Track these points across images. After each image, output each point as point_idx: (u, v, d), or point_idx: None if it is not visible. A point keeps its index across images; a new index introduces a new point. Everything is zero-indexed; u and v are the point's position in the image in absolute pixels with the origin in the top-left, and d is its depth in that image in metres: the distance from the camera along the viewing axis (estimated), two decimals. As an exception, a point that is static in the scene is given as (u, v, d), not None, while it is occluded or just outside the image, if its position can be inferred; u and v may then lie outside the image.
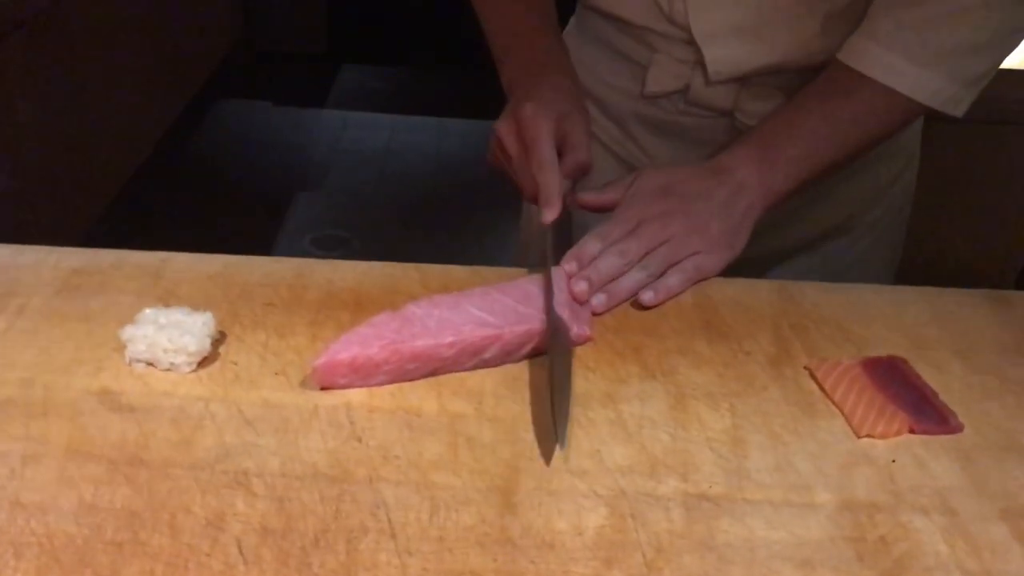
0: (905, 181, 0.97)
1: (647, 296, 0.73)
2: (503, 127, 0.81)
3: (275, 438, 0.59)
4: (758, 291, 0.78)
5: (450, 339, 0.64)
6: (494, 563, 0.52)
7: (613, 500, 0.56)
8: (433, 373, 0.65)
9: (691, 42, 0.84)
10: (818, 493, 0.58)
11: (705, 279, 0.76)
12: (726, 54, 0.83)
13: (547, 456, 0.59)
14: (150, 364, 0.65)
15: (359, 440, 0.60)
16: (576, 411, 0.63)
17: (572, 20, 1.01)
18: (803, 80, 0.81)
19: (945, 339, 0.74)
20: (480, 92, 3.72)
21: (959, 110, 0.78)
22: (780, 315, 0.75)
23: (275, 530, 0.53)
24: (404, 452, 0.59)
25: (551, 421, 0.61)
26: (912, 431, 0.63)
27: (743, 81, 0.84)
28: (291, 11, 3.73)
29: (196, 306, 0.68)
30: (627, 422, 0.62)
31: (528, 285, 0.71)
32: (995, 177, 1.80)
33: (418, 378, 0.65)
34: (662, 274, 0.74)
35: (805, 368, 0.69)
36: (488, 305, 0.68)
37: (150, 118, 2.88)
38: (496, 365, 0.67)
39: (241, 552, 0.51)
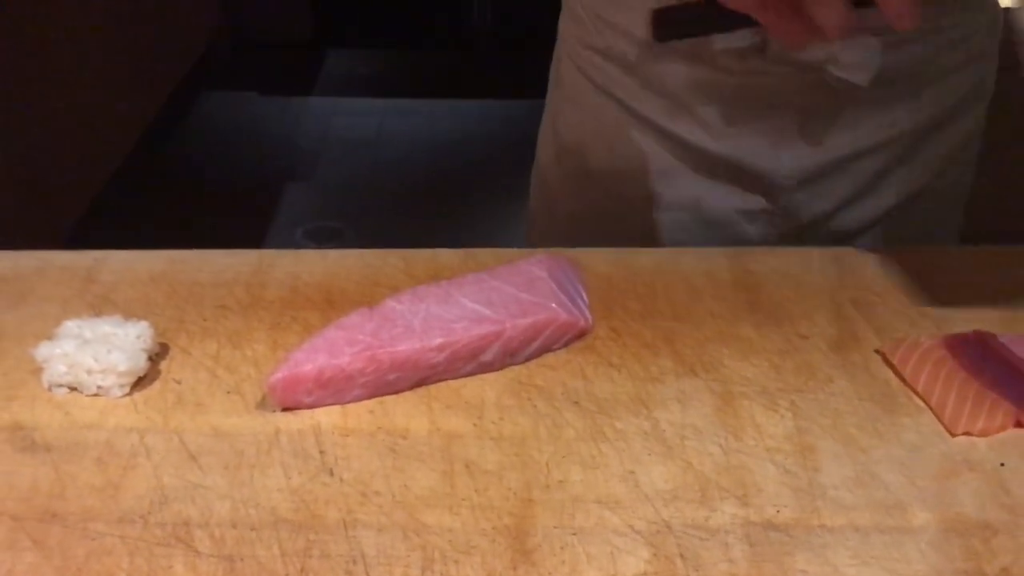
0: (981, 131, 0.84)
1: None
2: None
3: (225, 476, 0.47)
4: (809, 262, 0.65)
5: (439, 341, 0.52)
6: (507, 632, 0.40)
7: (656, 537, 0.44)
8: (421, 383, 0.53)
9: None
10: (915, 512, 0.46)
11: None
12: None
13: None
14: (73, 389, 0.53)
15: (331, 473, 0.47)
16: (600, 421, 0.51)
17: None
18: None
19: (1037, 307, 0.61)
20: (471, 71, 3.59)
21: None
22: (839, 289, 0.62)
23: (222, 601, 0.41)
24: (387, 486, 0.47)
25: None
26: (1020, 424, 0.51)
27: None
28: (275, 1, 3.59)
29: (135, 313, 0.57)
30: (665, 433, 0.50)
31: (531, 268, 0.58)
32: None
33: (403, 390, 0.53)
34: None
35: (877, 352, 0.56)
36: (484, 295, 0.55)
37: (130, 113, 2.76)
38: (499, 369, 0.55)
39: (177, 635, 0.39)
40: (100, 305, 0.59)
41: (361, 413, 0.51)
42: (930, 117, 0.75)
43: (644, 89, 0.76)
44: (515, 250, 0.66)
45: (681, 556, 0.43)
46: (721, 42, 0.69)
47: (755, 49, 0.69)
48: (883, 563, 0.43)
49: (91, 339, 0.53)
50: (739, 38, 0.68)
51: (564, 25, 0.83)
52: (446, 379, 0.54)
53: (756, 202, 0.76)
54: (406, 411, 0.51)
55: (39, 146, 2.15)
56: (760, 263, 0.65)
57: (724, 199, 0.76)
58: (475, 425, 0.51)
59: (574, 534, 0.44)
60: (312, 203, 2.74)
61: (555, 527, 0.45)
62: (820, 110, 0.72)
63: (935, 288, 0.63)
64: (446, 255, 0.65)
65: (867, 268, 0.64)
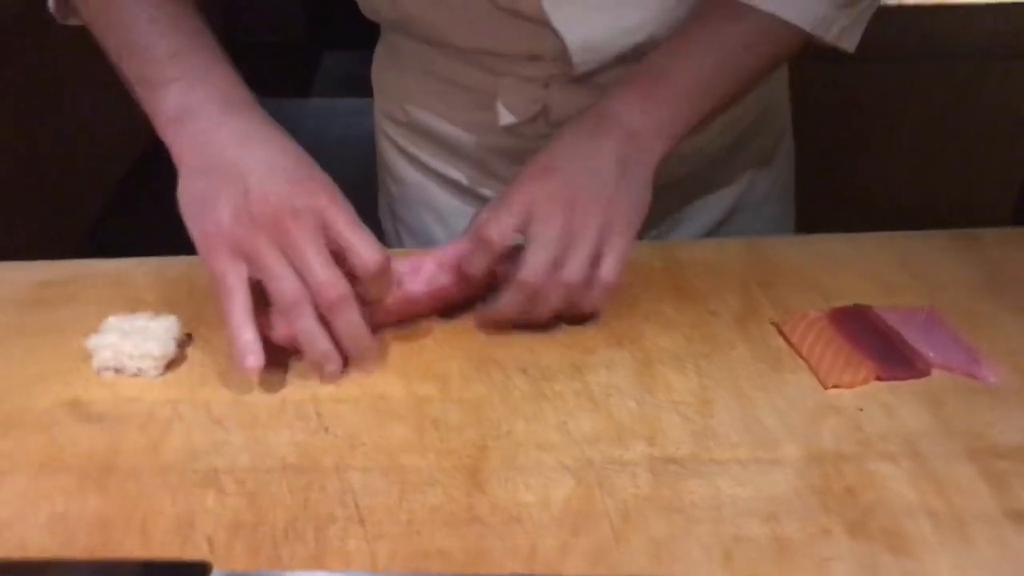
0: (786, 145, 0.93)
1: (589, 308, 0.67)
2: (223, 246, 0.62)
3: (244, 434, 0.60)
4: (727, 250, 0.77)
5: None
6: (462, 542, 0.52)
7: (580, 470, 0.57)
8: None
9: (538, 56, 0.76)
10: (785, 447, 0.58)
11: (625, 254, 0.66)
12: (589, 35, 0.73)
13: None
14: (118, 371, 0.65)
15: (326, 430, 0.60)
16: (542, 385, 0.63)
17: (379, 48, 0.91)
18: None
19: (914, 284, 0.74)
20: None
21: (844, 40, 0.71)
22: (748, 272, 0.74)
23: (245, 524, 0.53)
24: (371, 438, 0.59)
25: None
26: (879, 378, 0.63)
27: (607, 78, 0.76)
28: (270, 2, 3.71)
29: (162, 310, 0.69)
30: (594, 392, 0.63)
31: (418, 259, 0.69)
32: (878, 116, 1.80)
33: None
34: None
35: (772, 324, 0.69)
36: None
37: (136, 121, 2.88)
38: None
39: (212, 548, 0.52)
40: (133, 304, 0.72)
41: (350, 385, 0.64)
42: (730, 140, 0.84)
43: (452, 157, 0.86)
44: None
45: (599, 484, 0.56)
46: (505, 118, 0.79)
47: (540, 115, 0.78)
48: (756, 485, 0.55)
49: (130, 331, 0.66)
50: (521, 112, 0.78)
51: (376, 100, 0.92)
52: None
53: None
54: (387, 381, 0.64)
55: (56, 155, 2.28)
56: (685, 253, 0.77)
57: None
58: (441, 391, 0.63)
59: (516, 470, 0.57)
60: (313, 202, 2.86)
61: (501, 466, 0.57)
62: None
63: (829, 268, 0.75)
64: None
65: (774, 254, 0.77)
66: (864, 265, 0.75)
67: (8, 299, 0.72)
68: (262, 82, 3.37)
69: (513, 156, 0.81)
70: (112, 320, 0.67)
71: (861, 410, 0.61)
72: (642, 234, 0.83)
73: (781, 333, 0.68)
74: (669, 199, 0.85)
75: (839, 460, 0.57)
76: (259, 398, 0.63)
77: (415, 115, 0.87)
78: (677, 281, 0.74)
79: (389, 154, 0.93)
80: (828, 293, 0.72)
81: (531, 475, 0.56)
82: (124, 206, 2.60)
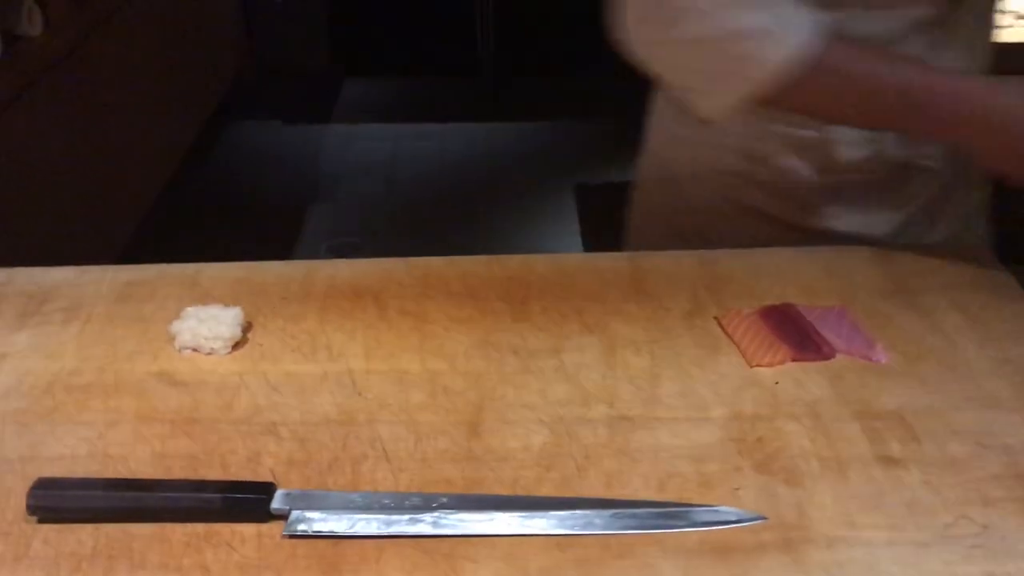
0: None
1: None
2: None
3: (295, 398, 0.77)
4: (682, 261, 0.94)
5: None
6: (462, 474, 0.69)
7: (553, 425, 0.74)
8: None
9: None
10: (714, 410, 0.75)
11: None
12: None
13: None
14: (195, 350, 0.82)
15: (360, 395, 0.77)
16: (528, 362, 0.81)
17: None
18: None
19: (834, 289, 0.90)
20: (475, 98, 3.86)
21: None
22: (698, 279, 0.91)
23: (299, 461, 0.71)
24: (395, 400, 0.77)
25: None
26: (794, 359, 0.80)
27: None
28: (294, 31, 3.91)
29: (227, 303, 0.86)
30: (567, 368, 0.80)
31: None
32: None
33: None
34: None
35: (714, 318, 0.86)
36: None
37: (172, 142, 3.09)
38: None
39: (274, 477, 0.69)
40: (204, 298, 0.89)
41: (379, 361, 0.81)
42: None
43: (776, 196, 1.00)
44: (489, 256, 0.96)
45: (567, 434, 0.73)
46: (846, 154, 0.95)
47: (874, 155, 0.95)
48: (688, 436, 0.72)
49: (204, 318, 0.83)
50: (859, 152, 0.95)
51: (710, 157, 1.03)
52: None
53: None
54: (408, 358, 0.81)
55: (97, 175, 2.47)
56: (647, 262, 0.94)
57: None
58: (449, 366, 0.80)
59: (505, 424, 0.74)
60: (334, 221, 3.05)
61: (495, 421, 0.74)
62: (904, 187, 0.99)
63: (765, 276, 0.92)
64: (435, 261, 0.95)
65: (720, 264, 0.94)
66: (795, 273, 0.92)
67: (104, 295, 0.90)
68: (286, 107, 3.57)
69: (831, 192, 0.98)
70: (190, 310, 0.84)
71: (777, 383, 0.78)
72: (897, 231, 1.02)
73: (720, 325, 0.85)
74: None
75: (755, 419, 0.74)
76: (306, 370, 0.80)
77: (753, 165, 1.00)
78: (639, 284, 0.91)
79: (714, 202, 1.04)
80: (762, 295, 0.89)
81: (517, 427, 0.73)
82: (157, 223, 2.79)
